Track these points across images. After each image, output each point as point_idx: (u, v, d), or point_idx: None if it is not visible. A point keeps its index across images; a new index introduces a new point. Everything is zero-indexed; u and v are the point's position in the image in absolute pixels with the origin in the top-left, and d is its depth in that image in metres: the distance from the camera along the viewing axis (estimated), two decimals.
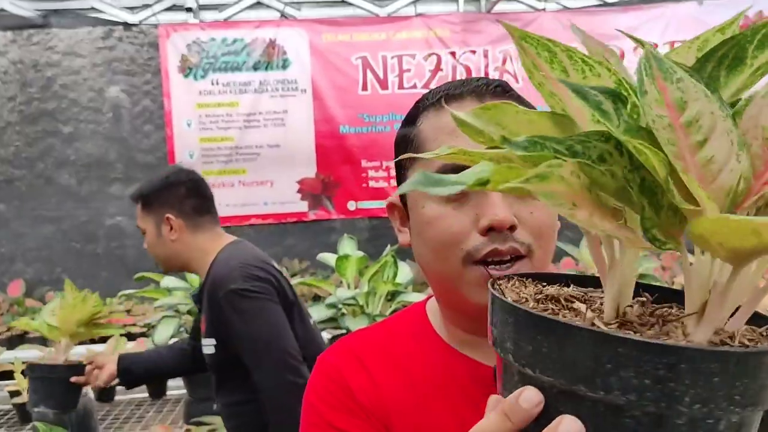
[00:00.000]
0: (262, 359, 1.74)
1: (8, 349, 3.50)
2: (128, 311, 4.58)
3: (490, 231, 0.69)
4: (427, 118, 0.77)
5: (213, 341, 1.87)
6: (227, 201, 5.04)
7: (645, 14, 5.21)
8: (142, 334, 3.84)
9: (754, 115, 0.36)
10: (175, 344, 2.32)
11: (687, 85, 0.34)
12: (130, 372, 2.13)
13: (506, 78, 5.17)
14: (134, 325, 4.21)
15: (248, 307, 1.76)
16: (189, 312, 2.75)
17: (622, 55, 5.11)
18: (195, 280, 2.72)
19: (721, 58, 0.37)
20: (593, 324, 0.39)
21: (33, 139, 5.03)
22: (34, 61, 4.98)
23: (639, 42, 0.39)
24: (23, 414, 3.10)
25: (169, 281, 2.72)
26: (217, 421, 2.40)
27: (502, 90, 0.76)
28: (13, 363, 3.11)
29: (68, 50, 5.02)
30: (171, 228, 1.96)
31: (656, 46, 5.24)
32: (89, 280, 5.02)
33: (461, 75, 5.11)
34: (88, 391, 2.73)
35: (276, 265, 1.98)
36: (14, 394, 3.17)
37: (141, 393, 3.46)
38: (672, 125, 0.35)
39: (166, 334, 2.61)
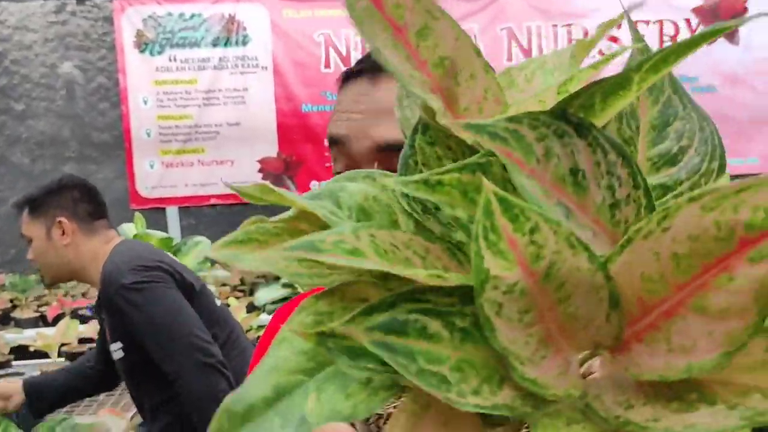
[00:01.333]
0: (168, 347, 1.71)
1: None
2: (84, 294, 4.48)
3: None
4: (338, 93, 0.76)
5: (119, 344, 1.82)
6: (186, 181, 4.94)
7: None
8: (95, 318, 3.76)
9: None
10: (79, 363, 2.25)
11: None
12: (42, 399, 2.06)
13: None
14: (86, 307, 4.11)
15: (142, 299, 1.71)
16: None
17: (586, 35, 5.12)
18: None
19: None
20: None
21: None
22: None
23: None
24: None
25: None
26: None
27: None
28: None
29: (19, 24, 4.84)
30: (63, 232, 1.90)
31: (620, 26, 5.24)
32: None
33: None
34: (35, 374, 2.65)
35: (170, 255, 1.94)
36: None
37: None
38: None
39: None
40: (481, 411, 0.30)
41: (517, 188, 0.31)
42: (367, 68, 0.72)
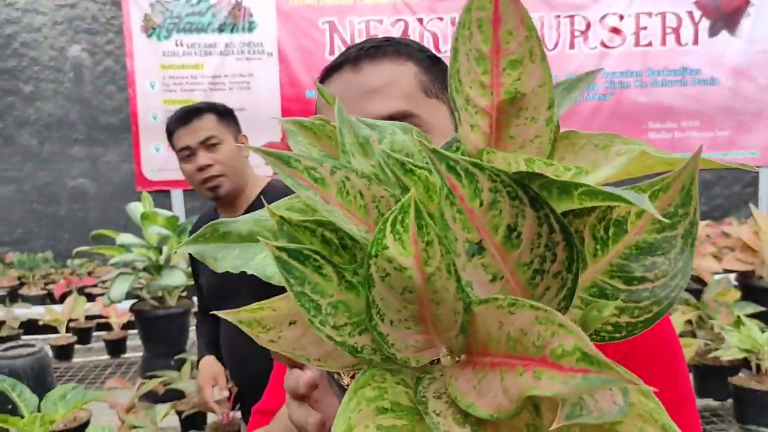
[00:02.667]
0: None
1: None
2: (90, 273, 4.57)
3: None
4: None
5: None
6: None
7: None
8: (103, 294, 3.84)
9: None
10: (200, 321, 2.14)
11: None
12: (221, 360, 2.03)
13: None
14: (95, 286, 4.20)
15: None
16: (145, 269, 2.76)
17: (588, 26, 5.16)
18: (153, 236, 2.72)
19: None
20: None
21: None
22: None
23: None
24: None
25: (125, 238, 2.72)
26: (173, 374, 2.43)
27: (375, 50, 0.78)
28: None
29: (28, 7, 4.90)
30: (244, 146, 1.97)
31: (622, 17, 5.29)
32: (50, 242, 4.98)
33: (428, 42, 5.10)
34: (44, 347, 2.73)
35: None
36: None
37: (100, 355, 3.48)
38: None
39: (120, 291, 2.62)
40: (332, 343, 0.40)
41: (444, 216, 0.37)
42: (349, 60, 0.78)
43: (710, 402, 2.42)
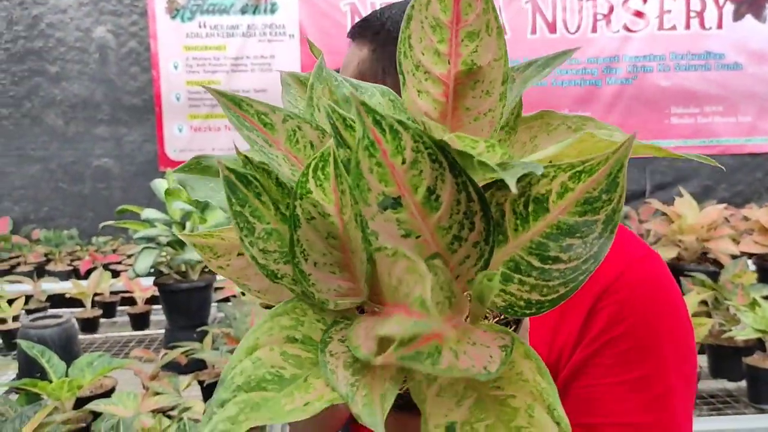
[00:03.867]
0: None
1: None
2: (114, 250, 4.66)
3: None
4: None
5: None
6: (213, 145, 5.07)
7: None
8: (127, 270, 3.93)
9: None
10: None
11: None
12: None
13: None
14: (119, 263, 4.29)
15: None
16: (168, 244, 2.82)
17: (611, 9, 5.12)
18: (176, 211, 2.78)
19: None
20: None
21: (19, 78, 5.02)
22: None
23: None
24: (8, 341, 3.20)
25: (149, 213, 2.79)
26: (195, 345, 2.49)
27: (350, 31, 0.86)
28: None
29: None
30: None
31: (645, 1, 5.23)
32: (75, 220, 5.09)
33: None
34: (71, 318, 2.81)
35: None
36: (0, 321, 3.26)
37: (124, 330, 3.56)
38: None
39: (145, 265, 2.68)
40: (254, 263, 0.43)
41: (360, 165, 0.38)
42: (350, 34, 0.87)
43: (725, 383, 2.43)
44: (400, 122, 0.36)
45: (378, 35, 0.83)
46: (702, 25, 5.25)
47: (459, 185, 0.37)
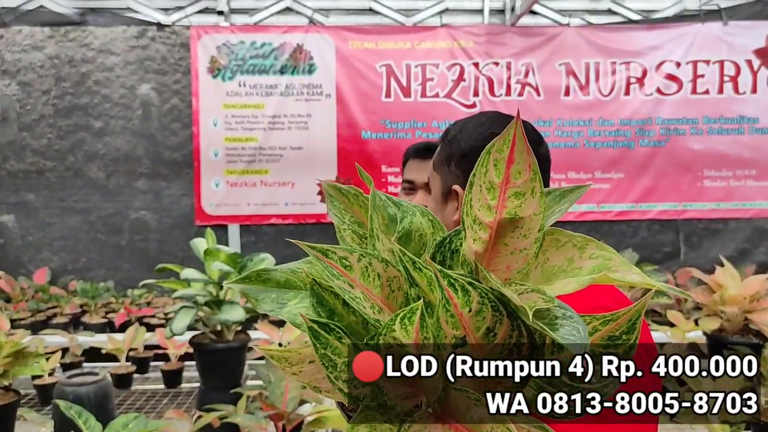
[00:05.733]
0: None
1: (32, 333, 3.64)
2: (148, 303, 4.72)
3: None
4: None
5: None
6: (249, 200, 5.16)
7: (669, 33, 5.24)
8: (161, 325, 3.96)
9: None
10: None
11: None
12: None
13: (527, 91, 5.24)
14: (153, 316, 4.34)
15: None
16: (206, 303, 2.86)
17: (645, 73, 5.17)
18: (215, 271, 2.82)
19: None
20: None
21: (65, 132, 5.20)
22: (69, 57, 5.15)
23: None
24: (44, 396, 3.23)
25: (188, 273, 2.83)
26: (229, 408, 2.50)
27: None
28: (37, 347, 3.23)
29: (103, 48, 5.18)
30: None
31: (679, 64, 5.28)
32: (112, 272, 5.17)
33: (483, 86, 5.19)
34: (107, 375, 2.84)
35: None
36: (36, 376, 3.30)
37: (157, 384, 3.58)
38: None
39: (182, 324, 2.71)
40: (341, 393, 0.53)
41: (439, 320, 0.52)
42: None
43: None
44: (470, 283, 0.49)
45: (444, 138, 1.03)
46: (736, 89, 5.26)
47: (513, 326, 0.49)
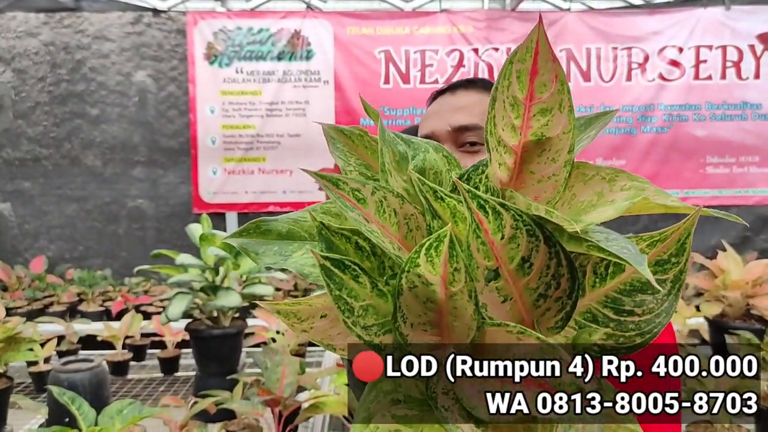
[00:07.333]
0: None
1: (27, 320, 3.60)
2: (146, 291, 4.69)
3: None
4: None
5: None
6: (246, 188, 5.12)
7: (671, 17, 5.18)
8: (158, 313, 3.93)
9: None
10: None
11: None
12: None
13: None
14: (151, 304, 4.30)
15: None
16: (202, 289, 2.82)
17: (647, 58, 5.11)
18: (210, 257, 2.79)
19: None
20: None
21: (61, 119, 5.15)
22: (64, 44, 5.10)
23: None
24: (39, 384, 3.20)
25: (183, 258, 2.79)
26: (225, 394, 2.46)
27: (468, 82, 0.96)
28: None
29: (98, 34, 5.13)
30: None
31: (681, 50, 5.22)
32: (109, 260, 5.14)
33: (483, 72, 5.13)
34: (102, 362, 2.81)
35: None
36: (31, 363, 3.27)
37: (154, 372, 3.55)
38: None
39: (178, 310, 2.67)
40: (359, 339, 0.47)
41: (470, 247, 0.45)
42: (450, 87, 0.96)
43: None
44: (502, 204, 0.42)
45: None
46: (739, 75, 5.20)
47: (551, 254, 0.43)
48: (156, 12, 5.11)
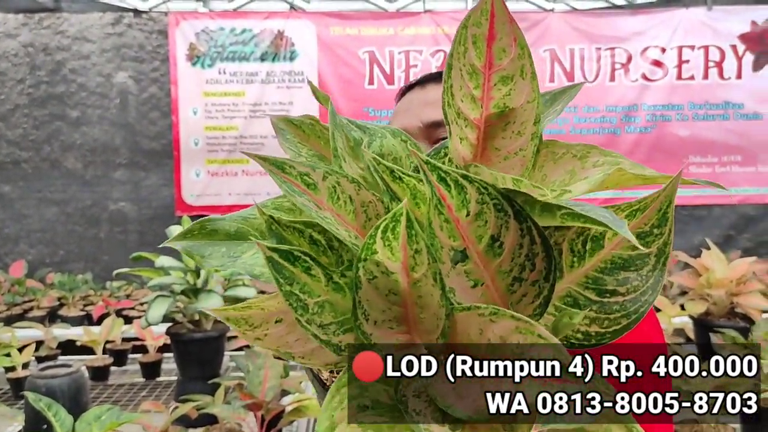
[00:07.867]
0: None
1: (5, 325, 3.54)
2: (128, 295, 4.63)
3: None
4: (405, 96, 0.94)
5: None
6: (230, 190, 5.07)
7: (653, 18, 5.20)
8: (140, 317, 3.88)
9: None
10: None
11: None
12: None
13: None
14: (132, 308, 4.25)
15: None
16: (183, 292, 2.78)
17: (630, 59, 5.12)
18: (190, 261, 2.75)
19: None
20: None
21: (40, 122, 5.08)
22: (44, 45, 5.03)
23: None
24: (17, 390, 3.14)
25: (164, 261, 2.75)
26: (206, 399, 2.42)
27: (439, 75, 0.90)
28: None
29: (78, 35, 5.06)
30: None
31: (664, 50, 5.24)
32: (90, 264, 5.07)
33: None
34: (81, 367, 2.76)
35: None
36: (9, 369, 3.21)
37: (135, 377, 3.50)
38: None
39: (158, 313, 2.63)
40: (316, 340, 0.42)
41: (432, 224, 0.40)
42: (419, 82, 0.91)
43: None
44: (464, 176, 0.38)
45: None
46: (721, 75, 5.23)
47: (523, 230, 0.39)
48: (137, 12, 5.05)
